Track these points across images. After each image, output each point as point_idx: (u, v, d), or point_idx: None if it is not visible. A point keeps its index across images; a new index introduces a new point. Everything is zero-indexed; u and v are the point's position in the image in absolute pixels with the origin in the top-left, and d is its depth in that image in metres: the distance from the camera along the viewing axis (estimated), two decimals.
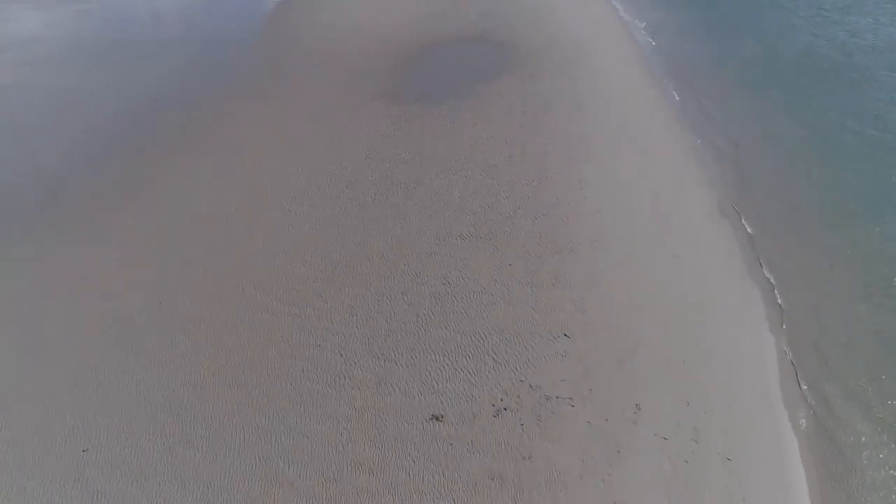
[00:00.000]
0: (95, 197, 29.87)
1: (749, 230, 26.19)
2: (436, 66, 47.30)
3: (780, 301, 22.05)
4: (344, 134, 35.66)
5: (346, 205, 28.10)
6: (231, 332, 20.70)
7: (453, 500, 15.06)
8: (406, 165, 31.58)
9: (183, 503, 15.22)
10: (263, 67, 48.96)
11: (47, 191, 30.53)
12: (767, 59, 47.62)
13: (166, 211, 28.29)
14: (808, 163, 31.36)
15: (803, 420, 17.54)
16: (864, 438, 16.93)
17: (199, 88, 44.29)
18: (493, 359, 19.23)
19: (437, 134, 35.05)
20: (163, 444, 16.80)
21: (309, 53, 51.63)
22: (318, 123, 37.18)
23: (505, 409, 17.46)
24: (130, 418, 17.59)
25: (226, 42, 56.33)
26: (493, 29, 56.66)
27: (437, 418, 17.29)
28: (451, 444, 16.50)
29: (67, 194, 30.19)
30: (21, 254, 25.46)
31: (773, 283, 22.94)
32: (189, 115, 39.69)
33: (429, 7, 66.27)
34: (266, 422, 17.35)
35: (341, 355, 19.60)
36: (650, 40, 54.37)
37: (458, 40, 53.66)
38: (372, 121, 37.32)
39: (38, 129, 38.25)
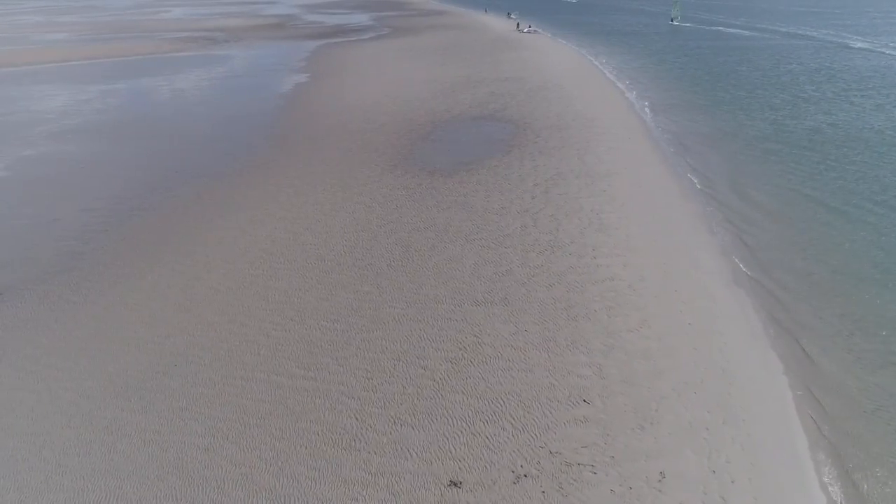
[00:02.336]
0: (115, 259, 30.32)
1: (764, 298, 26.12)
2: (448, 142, 48.85)
3: (802, 369, 21.71)
4: (359, 202, 36.46)
5: (362, 271, 28.36)
6: (246, 395, 20.47)
7: None
8: (420, 234, 32.06)
9: None
10: (280, 142, 50.72)
11: (68, 253, 31.02)
12: (774, 136, 49.05)
13: (183, 275, 28.61)
14: (818, 231, 31.73)
15: (836, 493, 16.88)
16: None
17: (218, 161, 45.73)
18: (512, 424, 18.86)
19: (451, 204, 35.77)
20: None
21: (325, 130, 53.55)
22: (333, 193, 38.08)
23: (525, 475, 16.97)
24: (140, 480, 17.14)
25: (244, 119, 58.61)
26: (502, 108, 58.94)
27: (455, 484, 16.79)
28: None
29: (88, 257, 30.65)
30: (37, 314, 25.59)
31: (793, 352, 22.64)
32: (207, 184, 40.83)
33: (440, 88, 69.23)
34: (279, 486, 16.87)
35: (357, 419, 19.28)
36: (656, 118, 56.20)
37: (469, 118, 55.71)
38: (386, 191, 38.21)
39: (62, 195, 39.28)
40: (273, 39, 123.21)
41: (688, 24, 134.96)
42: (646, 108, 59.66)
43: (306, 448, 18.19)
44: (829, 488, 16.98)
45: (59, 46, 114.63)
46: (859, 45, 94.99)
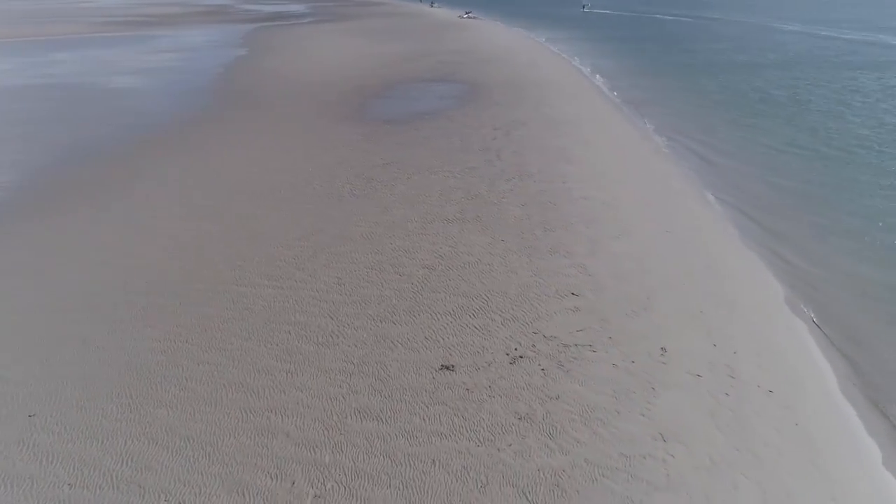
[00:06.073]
0: (45, 200, 27.49)
1: (737, 213, 25.97)
2: (401, 98, 47.51)
3: (784, 266, 21.50)
4: (313, 145, 34.66)
5: (322, 199, 26.64)
6: (206, 304, 18.46)
7: (479, 440, 13.03)
8: (381, 169, 30.58)
9: (158, 460, 12.61)
10: (221, 102, 48.17)
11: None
12: (720, 91, 50.05)
13: (122, 211, 26.13)
14: (774, 163, 32.26)
15: (840, 360, 16.46)
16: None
17: (154, 118, 42.93)
18: (501, 316, 17.64)
19: (411, 144, 34.45)
20: (127, 405, 14.20)
21: (269, 92, 51.28)
22: (283, 139, 36.13)
23: (521, 357, 15.77)
24: (87, 382, 14.95)
25: (182, 85, 55.67)
26: (454, 72, 58.09)
27: (447, 368, 15.41)
28: (468, 390, 14.59)
29: (12, 199, 27.68)
30: None
31: (773, 253, 22.42)
32: (145, 137, 38.11)
33: (387, 60, 67.83)
34: (251, 379, 15.05)
35: (332, 318, 17.62)
36: (605, 81, 56.54)
37: (420, 80, 54.56)
38: (341, 137, 36.55)
39: None
40: (208, 24, 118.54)
41: (599, 11, 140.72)
42: (596, 75, 59.98)
43: (278, 345, 16.42)
44: (830, 355, 16.58)
45: None
46: (791, 28, 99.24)
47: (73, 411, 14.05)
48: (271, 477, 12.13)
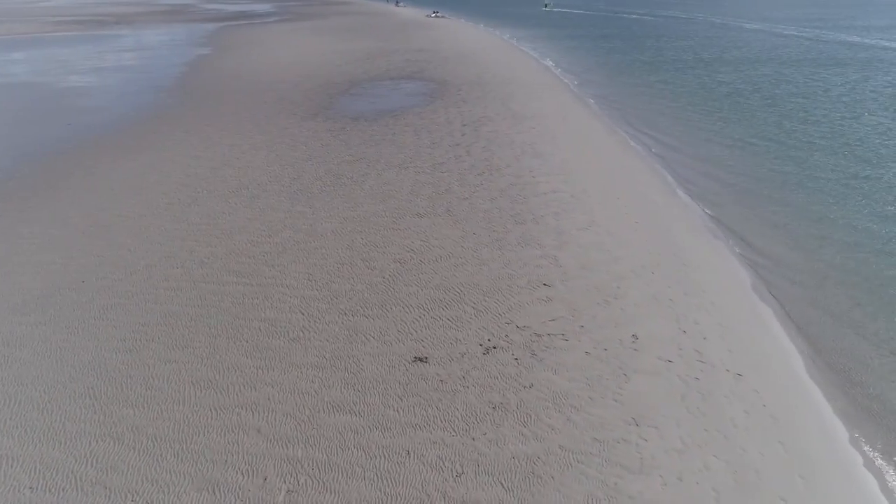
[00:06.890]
0: (23, 192, 26.56)
1: (701, 203, 26.42)
2: (369, 96, 47.19)
3: (748, 252, 21.92)
4: (280, 142, 34.18)
5: (292, 196, 26.28)
6: (172, 302, 18.04)
7: (454, 430, 12.98)
8: (350, 165, 30.31)
9: (124, 460, 12.25)
10: (185, 99, 47.26)
11: None
12: (678, 87, 50.86)
13: (86, 206, 25.43)
14: (733, 155, 32.93)
15: (805, 344, 16.83)
16: (867, 360, 16.32)
17: (118, 116, 41.86)
18: (473, 307, 17.62)
19: (379, 142, 34.23)
20: (91, 406, 13.77)
21: (234, 90, 50.45)
22: (251, 136, 35.54)
23: (494, 347, 15.77)
24: (48, 384, 14.47)
25: (143, 83, 54.51)
26: (420, 70, 57.94)
27: (421, 360, 15.32)
28: (442, 381, 14.52)
29: None
30: None
31: (737, 239, 22.88)
32: (107, 134, 37.20)
33: (354, 57, 67.36)
34: (220, 377, 14.74)
35: (302, 313, 17.38)
36: (572, 78, 57.01)
37: (387, 78, 54.29)
38: (309, 133, 36.13)
39: None
40: (168, 23, 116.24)
41: (561, 10, 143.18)
42: (559, 70, 60.47)
43: (248, 342, 16.12)
44: (795, 338, 16.92)
45: None
46: (754, 26, 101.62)
47: (35, 413, 13.57)
48: (242, 473, 11.89)
